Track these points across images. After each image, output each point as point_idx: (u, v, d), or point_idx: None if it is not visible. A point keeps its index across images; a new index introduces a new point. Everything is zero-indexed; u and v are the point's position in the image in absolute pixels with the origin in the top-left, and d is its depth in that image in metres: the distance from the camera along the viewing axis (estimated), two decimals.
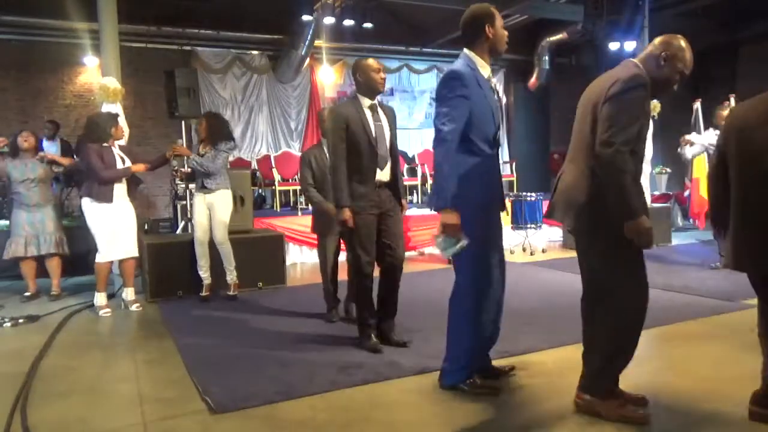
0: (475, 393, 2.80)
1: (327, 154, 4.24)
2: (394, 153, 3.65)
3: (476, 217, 2.69)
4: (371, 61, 3.60)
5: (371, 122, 3.54)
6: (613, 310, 2.43)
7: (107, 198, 4.76)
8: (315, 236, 4.65)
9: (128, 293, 5.01)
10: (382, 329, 3.66)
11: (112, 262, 4.97)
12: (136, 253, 5.03)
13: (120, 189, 4.87)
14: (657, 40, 2.48)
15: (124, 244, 4.88)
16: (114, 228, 4.79)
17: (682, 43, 2.44)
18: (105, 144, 4.83)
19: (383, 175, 3.55)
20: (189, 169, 5.31)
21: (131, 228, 4.98)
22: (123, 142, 5.57)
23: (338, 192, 3.50)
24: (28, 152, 5.37)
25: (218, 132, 5.19)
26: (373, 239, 3.52)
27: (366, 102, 3.58)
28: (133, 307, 4.94)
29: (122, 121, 5.64)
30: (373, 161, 3.50)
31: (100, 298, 4.85)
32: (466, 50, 2.80)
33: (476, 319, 2.79)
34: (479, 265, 2.76)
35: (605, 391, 2.49)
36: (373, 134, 3.51)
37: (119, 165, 4.85)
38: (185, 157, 5.23)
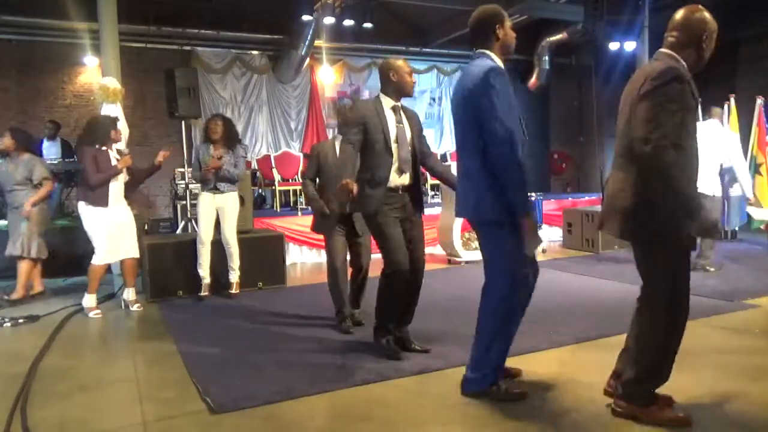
0: (499, 399, 2.72)
1: (337, 151, 4.05)
2: (420, 158, 3.47)
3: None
4: (403, 63, 3.46)
5: (392, 123, 3.36)
6: (655, 316, 2.39)
7: (103, 202, 4.71)
8: (319, 236, 4.55)
9: (129, 293, 4.99)
10: (399, 336, 3.51)
11: (108, 265, 4.91)
12: (136, 254, 5.02)
13: (116, 192, 4.81)
14: (683, 22, 2.38)
15: (123, 245, 4.86)
16: (112, 231, 4.75)
17: (707, 14, 2.39)
18: (103, 147, 4.77)
19: (404, 179, 3.37)
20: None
21: (130, 229, 4.95)
22: (123, 143, 5.55)
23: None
24: (10, 154, 5.23)
25: (233, 135, 5.26)
26: (402, 238, 3.32)
27: (389, 102, 3.42)
28: (134, 307, 4.93)
29: (122, 121, 5.63)
30: (387, 164, 3.31)
31: (89, 300, 4.77)
32: (484, 50, 2.70)
33: (512, 323, 2.76)
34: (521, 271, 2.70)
35: (646, 397, 2.43)
36: (393, 136, 3.34)
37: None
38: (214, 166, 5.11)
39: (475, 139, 2.61)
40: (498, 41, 2.70)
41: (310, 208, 4.39)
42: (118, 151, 4.97)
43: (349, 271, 4.22)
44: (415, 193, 3.45)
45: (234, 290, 5.30)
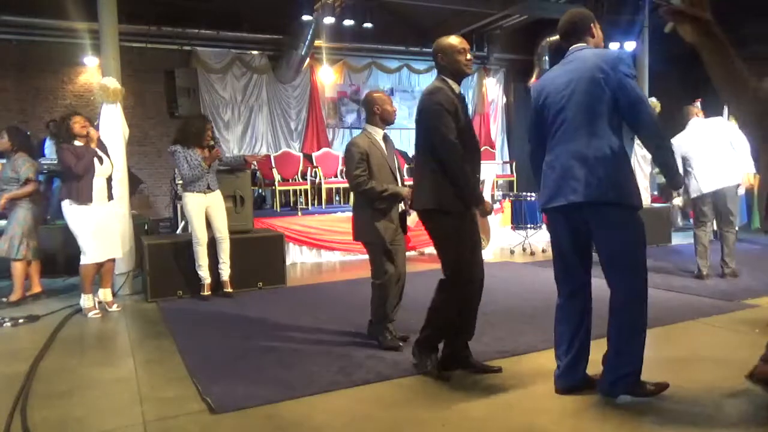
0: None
1: (383, 145, 3.64)
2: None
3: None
4: (454, 40, 3.03)
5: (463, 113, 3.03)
6: None
7: (87, 198, 4.66)
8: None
9: (106, 294, 4.97)
10: (463, 354, 3.18)
11: (99, 264, 4.84)
12: (119, 254, 5.04)
13: (99, 191, 4.77)
14: None
15: (110, 244, 4.85)
16: (97, 229, 4.72)
17: None
18: (77, 143, 4.71)
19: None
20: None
21: (114, 229, 4.94)
22: (122, 142, 5.55)
23: (472, 192, 2.93)
24: (6, 154, 5.21)
25: (215, 136, 5.47)
26: (468, 239, 3.02)
27: (456, 87, 3.04)
28: (113, 308, 4.90)
29: (122, 121, 5.63)
30: (477, 159, 3.05)
31: (86, 301, 4.76)
32: (585, 44, 2.74)
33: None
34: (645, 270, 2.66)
35: None
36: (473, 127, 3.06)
37: (96, 163, 4.74)
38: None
39: (605, 122, 2.57)
40: (593, 39, 2.77)
41: (358, 209, 3.70)
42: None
43: None
44: None
45: (229, 288, 5.29)
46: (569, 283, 2.81)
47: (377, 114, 3.65)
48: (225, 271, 5.32)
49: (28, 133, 6.02)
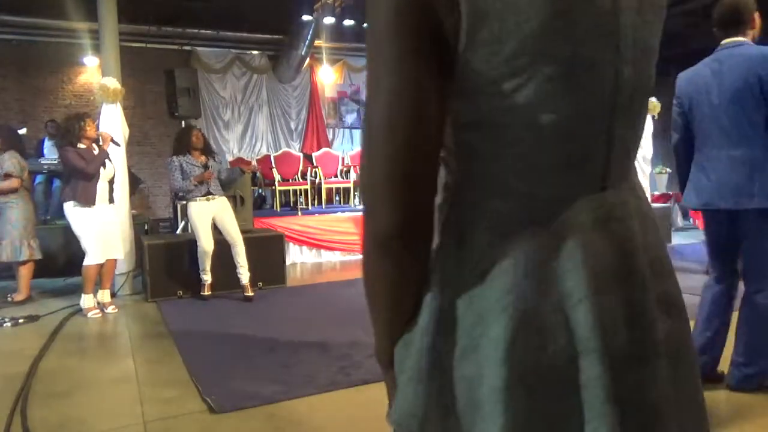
0: None
1: None
2: None
3: None
4: None
5: None
6: None
7: (90, 200, 4.65)
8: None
9: (104, 295, 4.96)
10: None
11: (101, 264, 4.82)
12: (121, 255, 5.04)
13: (102, 192, 4.77)
14: None
15: (111, 245, 4.85)
16: (99, 230, 4.71)
17: None
18: (81, 146, 4.70)
19: None
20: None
21: (115, 229, 4.94)
22: (122, 142, 5.54)
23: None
24: None
25: (209, 144, 5.43)
26: None
27: None
28: (109, 309, 4.88)
29: (122, 121, 5.63)
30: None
31: (87, 300, 4.75)
32: (743, 38, 2.60)
33: None
34: None
35: None
36: None
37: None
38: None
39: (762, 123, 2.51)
40: (752, 30, 2.63)
41: None
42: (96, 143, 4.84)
43: None
44: None
45: (250, 292, 5.19)
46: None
47: None
48: (244, 276, 5.24)
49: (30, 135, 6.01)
